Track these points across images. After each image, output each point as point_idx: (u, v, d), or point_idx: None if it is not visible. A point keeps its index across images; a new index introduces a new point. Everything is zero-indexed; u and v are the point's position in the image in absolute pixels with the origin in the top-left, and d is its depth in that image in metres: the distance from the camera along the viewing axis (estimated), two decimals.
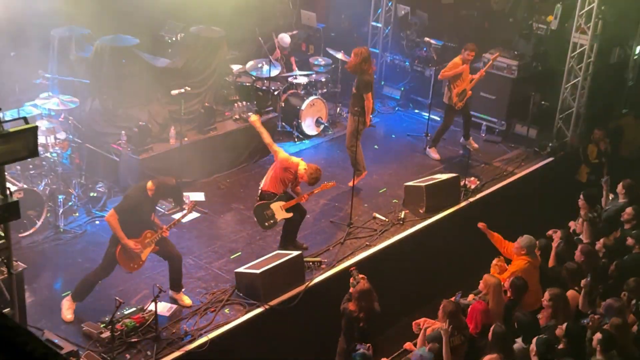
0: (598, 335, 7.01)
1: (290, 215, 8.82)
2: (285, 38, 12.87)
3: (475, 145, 11.97)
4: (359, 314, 7.46)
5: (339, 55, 12.89)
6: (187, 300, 8.17)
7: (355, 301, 7.48)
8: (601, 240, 9.04)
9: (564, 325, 7.23)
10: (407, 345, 7.92)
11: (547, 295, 7.75)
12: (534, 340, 6.99)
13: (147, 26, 11.94)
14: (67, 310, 7.83)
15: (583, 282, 8.04)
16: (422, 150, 12.21)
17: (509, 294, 7.98)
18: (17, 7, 10.23)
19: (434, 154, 11.97)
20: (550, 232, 9.39)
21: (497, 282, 7.87)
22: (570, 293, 8.13)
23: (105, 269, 7.88)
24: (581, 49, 12.07)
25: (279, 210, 8.78)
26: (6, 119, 5.74)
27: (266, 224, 8.83)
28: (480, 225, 9.10)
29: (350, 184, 10.21)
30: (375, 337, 8.13)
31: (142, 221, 7.87)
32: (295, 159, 8.87)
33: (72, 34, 10.86)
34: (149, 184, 7.78)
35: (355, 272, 7.74)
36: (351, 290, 7.66)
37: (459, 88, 11.51)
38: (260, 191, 8.84)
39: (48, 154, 9.31)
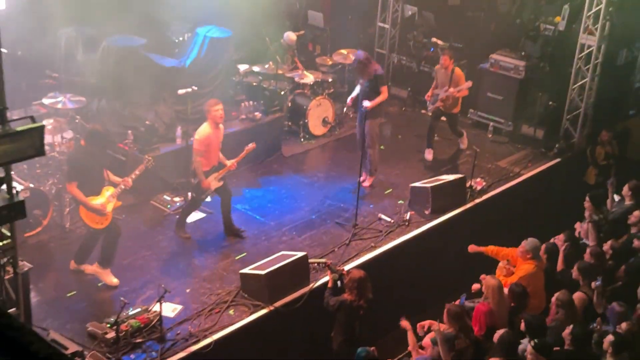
0: (610, 338, 6.97)
1: (221, 183, 9.18)
2: (290, 36, 12.85)
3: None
4: (359, 302, 7.55)
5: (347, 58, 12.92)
6: (113, 279, 8.28)
7: (355, 290, 7.55)
8: (609, 242, 9.00)
9: (570, 327, 7.19)
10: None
11: (554, 299, 7.70)
12: (529, 346, 6.90)
13: (154, 26, 11.94)
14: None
15: (593, 284, 8.00)
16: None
17: (510, 300, 7.94)
18: (25, 6, 10.26)
19: (427, 154, 11.94)
20: (553, 239, 9.35)
21: (497, 284, 7.83)
22: (577, 295, 8.09)
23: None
24: (589, 50, 12.03)
25: (213, 182, 9.11)
26: (13, 117, 5.75)
27: (203, 196, 9.26)
28: (470, 248, 9.08)
29: (367, 184, 10.69)
30: (379, 339, 8.14)
31: (96, 179, 8.13)
32: (197, 132, 9.02)
33: (79, 34, 10.88)
34: (82, 141, 8.18)
35: (333, 266, 7.82)
36: (330, 285, 7.82)
37: (434, 90, 11.69)
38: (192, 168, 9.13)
39: (55, 153, 9.32)
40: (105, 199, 8.11)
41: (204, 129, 8.96)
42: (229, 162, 9.19)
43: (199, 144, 8.88)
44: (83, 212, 8.12)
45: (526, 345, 7.19)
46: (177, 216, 9.58)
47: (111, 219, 8.21)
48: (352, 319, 7.66)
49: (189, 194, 10.06)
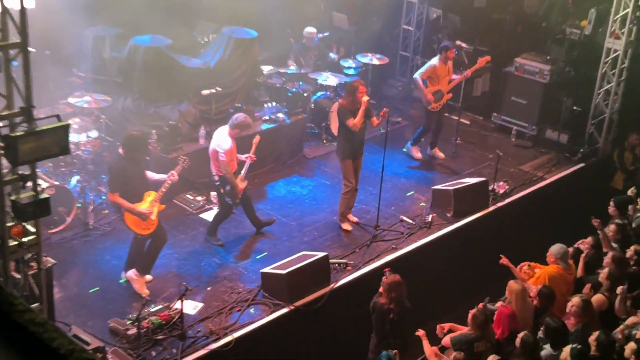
0: (632, 345, 6.91)
1: (246, 183, 9.23)
2: (309, 29, 12.86)
3: (442, 155, 11.86)
4: (389, 306, 7.55)
5: (369, 60, 12.93)
6: (145, 289, 8.24)
7: (385, 293, 7.56)
8: (632, 248, 8.91)
9: (596, 333, 7.12)
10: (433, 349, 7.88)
11: (572, 301, 7.64)
12: (567, 349, 6.89)
13: (179, 27, 12.03)
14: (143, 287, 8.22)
15: (619, 289, 7.92)
16: (451, 153, 12.13)
17: (535, 301, 7.90)
18: (52, 6, 10.38)
19: (415, 153, 11.83)
20: (578, 243, 9.25)
21: (521, 289, 7.79)
22: (597, 297, 8.02)
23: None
24: (615, 55, 11.93)
25: (240, 183, 9.12)
26: (40, 116, 5.83)
27: (237, 200, 9.16)
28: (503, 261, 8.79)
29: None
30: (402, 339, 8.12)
31: (138, 185, 8.05)
32: (220, 146, 8.93)
33: (106, 34, 11.00)
34: (120, 149, 8.05)
35: (389, 273, 7.78)
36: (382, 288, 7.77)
37: (432, 88, 11.43)
38: (217, 177, 9.01)
39: (79, 152, 9.42)
40: (149, 204, 8.04)
41: (228, 142, 8.90)
42: (244, 157, 9.18)
43: (227, 156, 8.89)
44: (128, 219, 8.02)
45: (549, 350, 7.15)
46: (209, 222, 9.49)
47: (157, 224, 8.15)
48: (382, 321, 7.66)
49: (212, 193, 10.14)
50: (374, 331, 7.82)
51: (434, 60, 11.55)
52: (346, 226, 9.76)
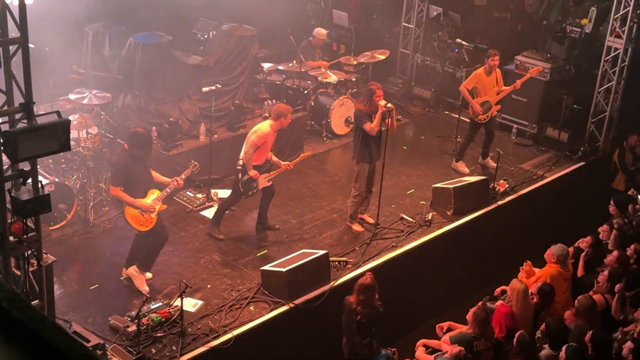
0: (629, 345, 6.91)
1: (270, 184, 9.27)
2: (321, 31, 12.87)
3: (494, 164, 11.53)
4: (357, 308, 7.48)
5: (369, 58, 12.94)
6: (145, 287, 8.22)
7: (355, 294, 7.51)
8: (632, 247, 8.91)
9: (590, 333, 7.13)
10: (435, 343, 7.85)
11: (576, 303, 7.64)
12: (564, 348, 6.90)
13: (179, 24, 12.03)
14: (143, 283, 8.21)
15: (617, 286, 7.92)
16: (451, 152, 12.11)
17: (535, 299, 7.90)
18: (52, 2, 10.36)
19: (461, 167, 11.54)
20: (578, 242, 9.25)
21: (523, 288, 7.78)
22: (596, 298, 8.03)
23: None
24: (615, 53, 11.93)
25: (263, 181, 9.18)
26: (40, 112, 5.83)
27: (250, 193, 9.20)
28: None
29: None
30: (400, 338, 8.13)
31: (141, 181, 8.04)
32: (257, 127, 9.08)
33: (106, 30, 11.00)
34: (125, 144, 8.05)
35: (368, 276, 7.74)
36: None
37: (480, 99, 11.16)
38: (242, 162, 9.02)
39: (80, 149, 9.42)
40: (151, 201, 8.03)
41: (266, 127, 9.00)
42: (284, 163, 9.24)
43: (258, 138, 8.94)
44: (128, 215, 8.01)
45: (549, 350, 7.15)
46: (212, 215, 9.49)
47: (157, 221, 8.13)
48: (350, 321, 7.62)
49: (212, 190, 10.14)
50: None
51: (479, 70, 11.31)
52: (357, 227, 9.72)
